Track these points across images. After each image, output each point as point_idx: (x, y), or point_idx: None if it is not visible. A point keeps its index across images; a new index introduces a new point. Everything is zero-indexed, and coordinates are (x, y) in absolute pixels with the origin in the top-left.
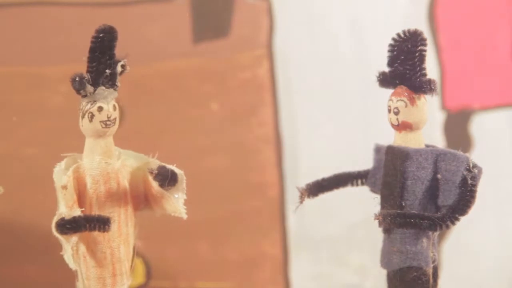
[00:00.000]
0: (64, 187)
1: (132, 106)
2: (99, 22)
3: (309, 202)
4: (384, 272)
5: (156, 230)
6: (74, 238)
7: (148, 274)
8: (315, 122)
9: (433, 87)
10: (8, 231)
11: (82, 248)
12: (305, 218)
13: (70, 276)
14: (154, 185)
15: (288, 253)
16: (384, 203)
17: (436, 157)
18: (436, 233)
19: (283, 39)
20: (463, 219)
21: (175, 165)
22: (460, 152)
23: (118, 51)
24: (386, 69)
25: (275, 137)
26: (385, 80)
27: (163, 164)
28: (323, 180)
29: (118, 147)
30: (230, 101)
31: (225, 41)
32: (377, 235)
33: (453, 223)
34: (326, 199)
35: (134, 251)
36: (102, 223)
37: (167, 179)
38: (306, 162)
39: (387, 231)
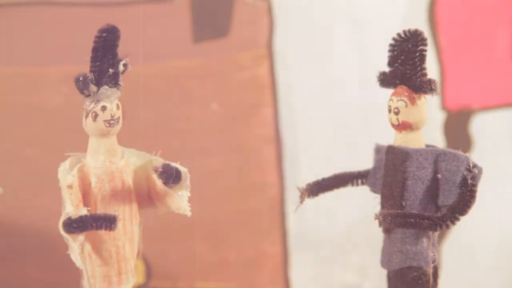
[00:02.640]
0: (70, 187)
1: (132, 106)
2: (99, 22)
3: (309, 202)
4: (384, 272)
5: (156, 230)
6: (81, 237)
7: (148, 274)
8: (315, 122)
9: (433, 87)
10: (8, 231)
11: (88, 247)
12: (305, 218)
13: (70, 276)
14: (158, 182)
15: (288, 253)
16: (384, 203)
17: (436, 157)
18: (436, 233)
19: (283, 39)
20: (463, 219)
21: (178, 163)
22: (460, 152)
23: (118, 51)
24: (387, 69)
25: (275, 137)
26: (385, 80)
27: (167, 162)
28: (323, 180)
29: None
30: (230, 101)
31: (225, 41)
32: (377, 235)
33: (453, 223)
34: (326, 199)
35: (139, 250)
36: (109, 222)
37: (171, 177)
38: (306, 162)
39: (387, 231)
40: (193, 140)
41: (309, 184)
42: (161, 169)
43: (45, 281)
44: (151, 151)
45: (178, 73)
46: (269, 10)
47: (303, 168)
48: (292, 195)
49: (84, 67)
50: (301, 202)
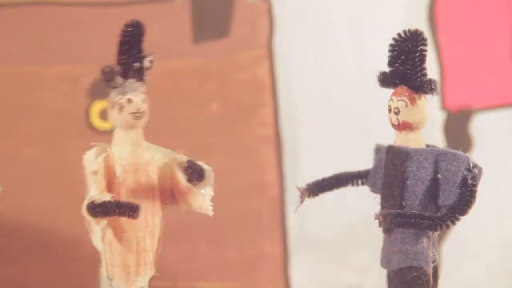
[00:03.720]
0: (95, 172)
1: None
2: (99, 22)
3: (309, 202)
4: (384, 272)
5: None
6: (104, 221)
7: None
8: (315, 122)
9: (433, 87)
10: (8, 231)
11: (109, 235)
12: (305, 218)
13: (70, 276)
14: (182, 180)
15: (288, 253)
16: (384, 203)
17: (437, 157)
18: (436, 233)
19: (283, 39)
20: (463, 219)
21: (203, 161)
22: (460, 152)
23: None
24: (387, 69)
25: (275, 137)
26: (385, 80)
27: (192, 159)
28: (323, 180)
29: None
30: (230, 101)
31: (225, 41)
32: (377, 235)
33: (453, 223)
34: (326, 199)
35: (159, 243)
36: (132, 210)
37: (196, 173)
38: (306, 162)
39: (387, 231)
40: (193, 140)
41: (309, 184)
42: (186, 165)
43: (45, 281)
44: None
45: (178, 73)
46: (269, 10)
47: (303, 168)
48: (292, 195)
49: (83, 68)
50: (301, 202)
